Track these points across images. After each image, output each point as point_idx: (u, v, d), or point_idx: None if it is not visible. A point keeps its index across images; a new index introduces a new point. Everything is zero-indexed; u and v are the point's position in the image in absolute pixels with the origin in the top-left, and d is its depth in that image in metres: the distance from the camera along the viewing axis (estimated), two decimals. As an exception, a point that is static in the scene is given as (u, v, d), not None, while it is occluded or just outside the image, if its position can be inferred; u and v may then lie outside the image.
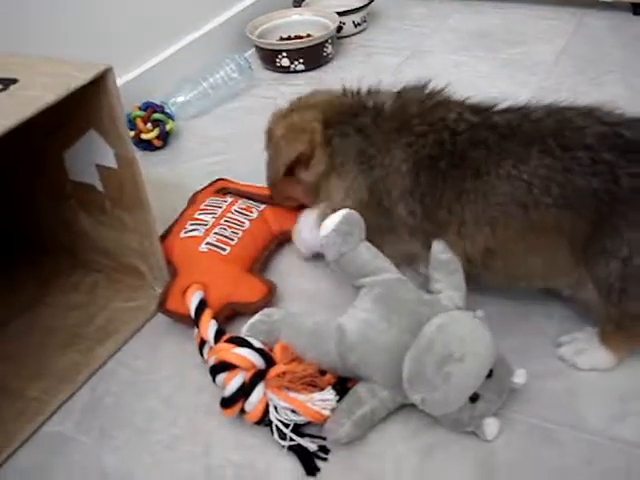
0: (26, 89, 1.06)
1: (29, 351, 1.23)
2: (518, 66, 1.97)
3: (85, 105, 1.12)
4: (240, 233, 1.33)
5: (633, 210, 1.00)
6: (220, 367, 1.07)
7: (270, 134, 1.33)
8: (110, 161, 1.20)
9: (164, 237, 1.35)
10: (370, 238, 1.14)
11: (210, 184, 1.51)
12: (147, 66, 1.85)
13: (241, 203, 1.41)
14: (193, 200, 1.46)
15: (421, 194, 1.12)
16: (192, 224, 1.35)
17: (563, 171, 1.02)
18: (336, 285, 1.29)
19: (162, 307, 1.23)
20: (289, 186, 1.33)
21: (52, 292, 1.35)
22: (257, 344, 1.08)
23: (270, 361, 1.06)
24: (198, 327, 1.16)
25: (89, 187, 1.27)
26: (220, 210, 1.38)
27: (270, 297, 1.25)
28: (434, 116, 1.14)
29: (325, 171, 1.24)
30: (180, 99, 1.85)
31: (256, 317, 1.09)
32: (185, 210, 1.43)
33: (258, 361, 1.06)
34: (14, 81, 1.08)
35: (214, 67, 1.91)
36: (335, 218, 1.11)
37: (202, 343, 1.16)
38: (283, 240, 1.40)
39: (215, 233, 1.32)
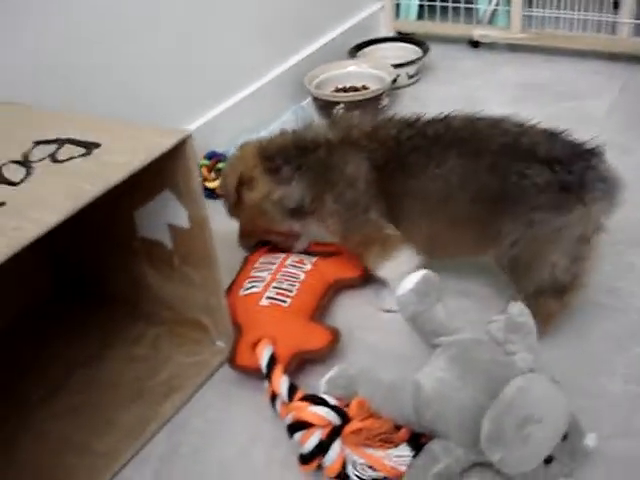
0: (110, 154, 1.09)
1: (93, 404, 1.25)
2: (569, 120, 1.96)
3: (162, 167, 1.15)
4: (297, 285, 1.37)
5: (518, 203, 1.22)
6: (297, 425, 1.09)
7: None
8: (183, 221, 1.23)
9: (226, 294, 1.36)
10: (366, 248, 1.36)
11: (262, 244, 1.53)
12: (211, 116, 1.90)
13: (294, 257, 1.46)
14: (247, 261, 1.49)
15: (385, 193, 1.32)
16: (250, 281, 1.39)
17: (472, 172, 1.25)
18: (403, 339, 1.30)
19: (232, 363, 1.26)
20: (256, 220, 1.45)
21: (114, 344, 1.38)
22: (332, 401, 1.11)
23: (345, 417, 1.09)
24: (270, 382, 1.18)
25: (158, 244, 1.30)
26: (275, 265, 1.42)
27: (336, 342, 1.28)
28: (379, 134, 1.35)
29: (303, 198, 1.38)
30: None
31: (333, 372, 1.12)
32: (240, 270, 1.46)
33: (334, 418, 1.09)
34: (97, 145, 1.12)
35: (274, 116, 1.94)
36: (413, 278, 1.15)
37: (274, 397, 1.18)
38: (339, 289, 1.44)
39: (274, 287, 1.35)
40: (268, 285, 1.36)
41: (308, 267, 1.43)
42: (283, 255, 1.47)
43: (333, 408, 1.09)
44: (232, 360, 1.26)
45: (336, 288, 1.44)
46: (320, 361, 1.26)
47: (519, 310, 1.09)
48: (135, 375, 1.30)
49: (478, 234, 1.30)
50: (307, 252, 1.50)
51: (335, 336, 1.29)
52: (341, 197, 1.34)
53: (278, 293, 1.34)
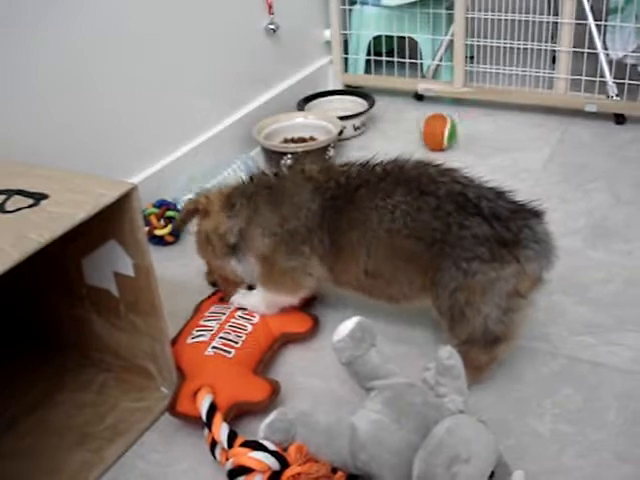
0: (57, 206, 1.13)
1: (40, 449, 1.27)
2: (509, 171, 2.07)
3: (108, 218, 1.19)
4: (244, 336, 1.40)
5: (455, 251, 1.26)
6: (237, 471, 1.12)
7: None
8: (128, 270, 1.26)
9: (172, 344, 1.38)
10: (277, 279, 1.43)
11: (214, 292, 1.57)
12: (160, 165, 1.95)
13: (243, 309, 1.48)
14: (198, 309, 1.53)
15: (327, 227, 1.38)
16: (198, 330, 1.42)
17: (416, 209, 1.30)
18: (342, 383, 1.34)
19: (172, 410, 1.28)
20: (204, 252, 1.51)
21: (62, 389, 1.39)
22: (271, 447, 1.13)
23: (284, 462, 1.12)
24: (210, 429, 1.21)
25: (104, 292, 1.33)
26: (224, 316, 1.46)
27: (275, 396, 1.31)
28: (331, 170, 1.43)
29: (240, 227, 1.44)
30: (191, 197, 1.90)
31: (272, 416, 1.15)
32: (191, 318, 1.49)
33: (273, 463, 1.11)
34: (45, 197, 1.16)
35: (223, 166, 2.00)
36: (349, 324, 1.19)
37: (213, 444, 1.20)
38: (285, 342, 1.46)
39: (220, 337, 1.39)
40: (215, 335, 1.40)
41: (256, 320, 1.46)
42: (233, 307, 1.49)
43: (272, 453, 1.12)
44: (172, 407, 1.28)
45: (282, 342, 1.46)
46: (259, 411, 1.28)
47: (448, 353, 1.14)
48: (82, 420, 1.32)
49: (417, 274, 1.32)
50: None
51: (275, 389, 1.31)
52: (283, 222, 1.39)
53: (223, 344, 1.37)
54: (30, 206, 1.13)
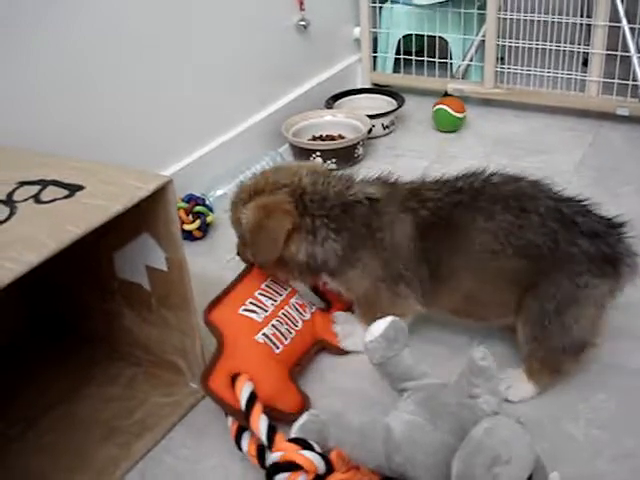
0: (92, 197, 1.12)
1: (68, 443, 1.26)
2: (538, 175, 2.04)
3: (143, 211, 1.18)
4: (293, 333, 1.36)
5: (567, 265, 1.25)
6: (284, 466, 1.10)
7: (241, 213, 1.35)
8: (161, 264, 1.26)
9: (216, 303, 1.33)
10: (376, 312, 1.28)
11: None
12: (189, 160, 1.94)
13: (297, 298, 1.42)
14: (250, 271, 1.41)
15: (427, 258, 1.32)
16: (252, 303, 1.35)
17: (519, 228, 1.27)
18: (373, 383, 1.32)
19: (204, 382, 1.23)
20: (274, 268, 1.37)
21: (90, 383, 1.39)
22: (318, 449, 1.12)
23: (330, 467, 1.11)
24: (248, 420, 1.17)
25: (136, 285, 1.32)
26: (280, 298, 1.38)
27: (304, 410, 1.25)
28: (424, 196, 1.34)
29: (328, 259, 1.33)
30: (219, 192, 1.92)
31: (305, 417, 1.13)
32: (240, 280, 1.39)
33: (320, 465, 1.10)
34: (80, 188, 1.15)
35: (251, 162, 1.99)
36: (382, 324, 1.17)
37: (239, 434, 1.19)
38: (321, 349, 1.43)
39: (273, 325, 1.33)
40: (269, 319, 1.33)
41: (307, 317, 1.41)
42: (290, 289, 1.42)
43: (321, 455, 1.11)
44: (204, 379, 1.23)
45: (319, 347, 1.43)
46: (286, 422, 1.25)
47: (482, 354, 1.12)
48: (110, 414, 1.31)
49: (515, 292, 1.30)
50: (312, 289, 1.49)
51: (305, 405, 1.29)
52: (386, 264, 1.33)
53: (275, 335, 1.32)
54: (65, 197, 1.13)
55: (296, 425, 1.12)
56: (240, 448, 1.19)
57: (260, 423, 1.17)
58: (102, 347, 1.45)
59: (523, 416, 1.09)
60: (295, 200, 1.31)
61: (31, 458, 1.23)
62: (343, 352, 1.43)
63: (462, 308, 1.36)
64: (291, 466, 1.10)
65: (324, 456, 1.11)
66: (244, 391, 1.20)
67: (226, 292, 1.37)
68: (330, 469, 1.11)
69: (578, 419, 1.26)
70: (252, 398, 1.20)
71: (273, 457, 1.12)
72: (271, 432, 1.16)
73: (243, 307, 1.34)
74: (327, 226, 1.31)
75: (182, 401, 1.32)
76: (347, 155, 2.12)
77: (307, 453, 1.10)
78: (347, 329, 1.43)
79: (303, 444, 1.12)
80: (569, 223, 1.26)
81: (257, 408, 1.18)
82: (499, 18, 2.35)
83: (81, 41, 1.58)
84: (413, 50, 2.58)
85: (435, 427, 1.07)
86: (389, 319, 1.18)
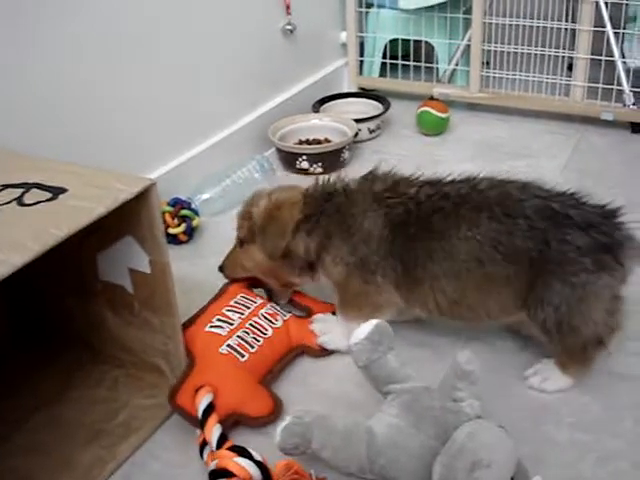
0: (75, 200, 1.12)
1: (54, 444, 1.26)
2: (524, 179, 2.05)
3: (126, 214, 1.18)
4: (261, 341, 1.37)
5: (560, 267, 1.25)
6: (219, 473, 1.11)
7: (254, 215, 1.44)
8: (144, 267, 1.25)
9: (188, 324, 1.38)
10: (353, 302, 1.38)
11: (246, 277, 1.52)
12: (175, 163, 1.94)
13: (268, 308, 1.46)
14: (225, 290, 1.49)
15: (399, 254, 1.33)
16: (218, 319, 1.39)
17: (506, 234, 1.27)
18: (356, 385, 1.33)
19: (172, 400, 1.25)
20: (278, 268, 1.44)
21: (74, 386, 1.38)
22: (257, 457, 1.13)
23: (267, 475, 1.11)
24: (203, 429, 1.20)
25: (119, 288, 1.32)
26: (248, 311, 1.42)
27: (276, 415, 1.28)
28: (399, 190, 1.36)
29: (314, 250, 1.39)
30: (205, 196, 1.92)
31: (289, 419, 1.13)
32: (214, 300, 1.46)
33: (256, 473, 1.10)
34: (63, 190, 1.15)
35: (237, 166, 1.99)
36: (367, 327, 1.18)
37: (203, 445, 1.20)
38: (299, 354, 1.43)
39: (238, 336, 1.36)
40: (234, 331, 1.37)
41: (278, 324, 1.43)
42: (260, 302, 1.47)
43: (257, 463, 1.11)
44: (172, 396, 1.26)
45: (297, 353, 1.43)
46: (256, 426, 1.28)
47: (467, 358, 1.13)
48: (95, 417, 1.31)
49: (510, 297, 1.31)
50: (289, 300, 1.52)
51: (276, 408, 1.29)
52: (354, 250, 1.35)
53: (239, 344, 1.35)
54: (48, 200, 1.13)
55: (280, 427, 1.12)
56: (202, 457, 1.20)
57: (213, 432, 1.19)
58: (85, 349, 1.44)
59: (503, 421, 1.09)
60: (304, 197, 1.42)
61: (18, 459, 1.23)
62: (323, 355, 1.44)
63: (448, 311, 1.36)
64: (225, 473, 1.11)
65: (260, 464, 1.11)
66: (202, 402, 1.23)
67: (199, 313, 1.43)
68: (267, 477, 1.10)
69: (561, 422, 1.26)
70: (208, 409, 1.22)
71: (211, 464, 1.13)
72: (221, 440, 1.18)
73: (210, 324, 1.40)
74: (316, 217, 1.39)
75: (165, 404, 1.31)
76: (333, 159, 2.12)
77: (241, 460, 1.11)
78: (325, 327, 1.45)
79: (240, 451, 1.13)
80: (561, 219, 1.25)
81: (212, 419, 1.21)
82: (484, 23, 2.37)
83: (68, 43, 1.58)
84: (399, 54, 2.58)
85: (418, 431, 1.08)
86: (374, 322, 1.18)
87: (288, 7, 2.26)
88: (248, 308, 1.44)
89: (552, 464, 1.18)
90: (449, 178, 1.38)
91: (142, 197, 1.16)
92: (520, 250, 1.26)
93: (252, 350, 1.35)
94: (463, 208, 1.30)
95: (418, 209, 1.32)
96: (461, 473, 0.99)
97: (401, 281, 1.35)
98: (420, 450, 1.06)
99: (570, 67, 2.37)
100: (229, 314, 1.41)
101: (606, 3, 2.21)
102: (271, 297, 1.52)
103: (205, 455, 1.19)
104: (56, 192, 1.15)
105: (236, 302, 1.45)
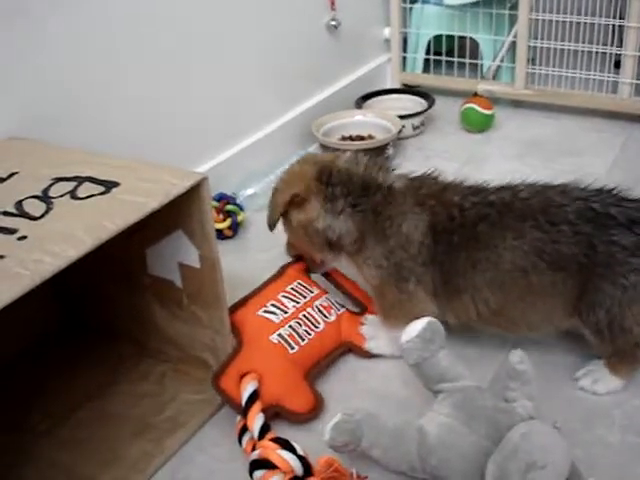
0: (128, 194, 1.13)
1: (100, 438, 1.26)
2: (571, 177, 2.01)
3: (177, 208, 1.18)
4: (312, 334, 1.36)
5: (609, 270, 1.23)
6: (261, 463, 1.11)
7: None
8: (194, 261, 1.26)
9: (239, 305, 1.38)
10: (390, 312, 1.36)
11: (301, 258, 1.52)
12: (220, 159, 1.94)
13: (324, 300, 1.44)
14: (282, 273, 1.48)
15: (440, 262, 1.31)
16: (273, 305, 1.38)
17: (551, 242, 1.25)
18: (405, 384, 1.33)
19: (215, 382, 1.25)
20: (298, 239, 1.44)
21: (120, 380, 1.39)
22: (300, 451, 1.12)
23: (308, 470, 1.11)
24: (246, 416, 1.20)
25: (168, 282, 1.33)
26: (303, 300, 1.41)
27: (316, 412, 1.28)
28: (444, 197, 1.34)
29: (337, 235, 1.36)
30: (249, 191, 1.93)
31: (338, 417, 1.12)
32: (271, 281, 1.45)
33: (298, 467, 1.10)
34: (116, 184, 1.16)
35: (281, 161, 1.98)
36: (418, 325, 1.17)
37: (242, 431, 1.20)
38: (347, 351, 1.42)
39: (290, 326, 1.35)
40: (287, 320, 1.35)
41: (332, 319, 1.41)
42: (316, 292, 1.45)
43: (299, 457, 1.11)
44: (216, 378, 1.25)
45: (345, 350, 1.42)
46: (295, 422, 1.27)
47: (519, 358, 1.12)
48: (141, 411, 1.32)
49: (557, 305, 1.29)
50: (345, 293, 1.51)
51: (317, 406, 1.28)
52: (389, 254, 1.33)
53: (290, 335, 1.33)
54: (101, 193, 1.13)
55: (330, 424, 1.11)
56: (241, 444, 1.20)
57: (255, 420, 1.19)
58: (131, 343, 1.45)
59: (558, 421, 1.08)
60: (320, 172, 1.37)
61: (63, 453, 1.24)
62: (369, 355, 1.42)
63: (491, 321, 1.34)
64: (267, 464, 1.11)
65: (303, 458, 1.11)
66: (247, 389, 1.23)
67: (252, 294, 1.42)
68: (308, 472, 1.10)
69: (613, 425, 1.24)
70: (253, 396, 1.22)
71: (254, 454, 1.13)
72: (264, 430, 1.18)
73: (263, 309, 1.38)
74: (345, 199, 1.34)
75: (212, 398, 1.31)
76: (377, 155, 2.09)
77: (284, 453, 1.11)
78: (373, 331, 1.42)
79: (284, 444, 1.12)
80: (604, 219, 1.24)
81: (256, 406, 1.21)
82: (530, 19, 2.33)
83: (116, 37, 1.59)
84: (443, 50, 2.56)
85: (471, 430, 1.07)
86: (426, 320, 1.18)
87: (333, 3, 2.25)
88: (304, 297, 1.42)
89: (604, 467, 1.16)
90: (492, 185, 1.35)
91: (193, 191, 1.17)
92: (566, 257, 1.25)
93: (302, 343, 1.34)
94: (507, 217, 1.28)
95: (462, 217, 1.30)
96: (515, 474, 0.97)
97: (440, 290, 1.33)
98: (472, 450, 1.05)
99: (617, 64, 2.33)
100: (284, 301, 1.39)
101: (656, -1, 2.18)
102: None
103: (244, 442, 1.19)
104: (109, 186, 1.15)
105: (292, 289, 1.43)
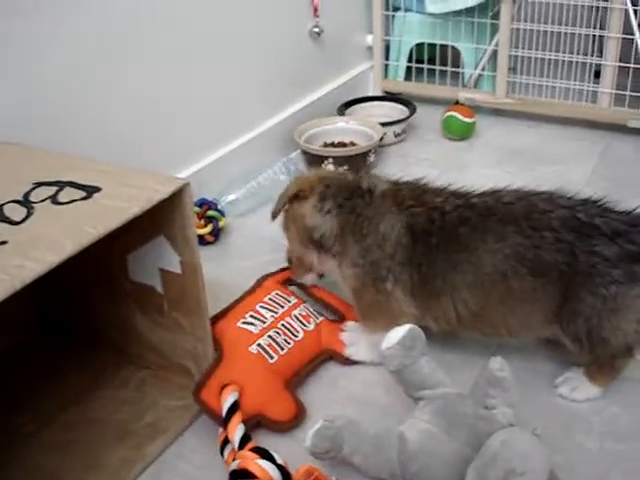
0: (110, 199, 1.12)
1: (81, 444, 1.26)
2: (551, 185, 2.03)
3: (159, 213, 1.18)
4: (291, 343, 1.36)
5: (589, 280, 1.23)
6: (240, 474, 1.11)
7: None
8: (175, 267, 1.25)
9: (219, 317, 1.39)
10: (368, 313, 1.37)
11: (282, 269, 1.54)
12: (202, 165, 1.94)
13: (302, 309, 1.44)
14: (260, 285, 1.49)
15: (418, 263, 1.31)
16: (252, 316, 1.39)
17: (533, 247, 1.25)
18: (386, 390, 1.33)
19: (196, 395, 1.25)
20: (291, 234, 1.47)
21: (101, 385, 1.38)
22: (279, 460, 1.12)
23: (288, 479, 1.10)
24: (226, 427, 1.20)
25: (149, 288, 1.32)
26: (282, 310, 1.42)
27: (298, 420, 1.28)
28: (424, 199, 1.35)
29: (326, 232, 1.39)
30: (231, 197, 1.93)
31: (320, 423, 1.12)
32: (249, 294, 1.47)
33: (277, 476, 1.10)
34: (97, 189, 1.15)
35: (263, 168, 1.99)
36: (399, 332, 1.17)
37: (224, 443, 1.20)
38: (327, 359, 1.42)
39: (269, 336, 1.35)
40: (265, 330, 1.36)
41: (311, 327, 1.42)
42: (294, 301, 1.46)
43: (279, 466, 1.11)
44: (197, 390, 1.25)
45: (325, 358, 1.42)
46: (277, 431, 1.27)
47: (499, 365, 1.12)
48: (121, 417, 1.31)
49: (536, 312, 1.30)
50: (322, 302, 1.51)
51: (299, 414, 1.28)
52: (365, 253, 1.34)
53: (269, 345, 1.34)
54: (83, 198, 1.13)
55: (311, 431, 1.11)
56: (222, 456, 1.20)
57: (236, 432, 1.19)
58: (112, 349, 1.44)
59: (538, 428, 1.08)
60: (326, 178, 1.44)
61: (46, 456, 1.23)
62: (350, 362, 1.42)
63: (468, 324, 1.34)
64: (246, 474, 1.10)
65: (282, 468, 1.11)
66: (228, 400, 1.23)
67: (231, 306, 1.43)
68: None
69: (592, 432, 1.25)
70: (233, 407, 1.22)
71: (233, 464, 1.13)
72: (244, 440, 1.18)
73: (242, 320, 1.39)
74: (334, 201, 1.39)
75: (192, 405, 1.30)
76: (359, 162, 2.10)
77: (263, 463, 1.11)
78: (353, 337, 1.43)
79: (263, 454, 1.12)
80: (587, 229, 1.24)
81: (236, 416, 1.21)
82: (512, 28, 2.35)
83: (101, 41, 1.58)
84: (425, 58, 2.57)
85: (451, 437, 1.07)
86: (407, 327, 1.18)
87: (316, 9, 2.26)
88: (282, 307, 1.43)
89: (583, 473, 1.17)
90: (474, 190, 1.36)
91: (176, 197, 1.16)
92: (548, 264, 1.25)
93: (281, 352, 1.34)
94: (489, 220, 1.29)
95: (443, 219, 1.31)
96: (494, 481, 0.98)
97: (417, 290, 1.33)
98: (452, 457, 1.06)
99: (597, 74, 2.35)
100: (262, 311, 1.40)
101: (635, 10, 2.20)
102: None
103: (226, 454, 1.19)
104: (90, 191, 1.15)
105: (270, 299, 1.44)
